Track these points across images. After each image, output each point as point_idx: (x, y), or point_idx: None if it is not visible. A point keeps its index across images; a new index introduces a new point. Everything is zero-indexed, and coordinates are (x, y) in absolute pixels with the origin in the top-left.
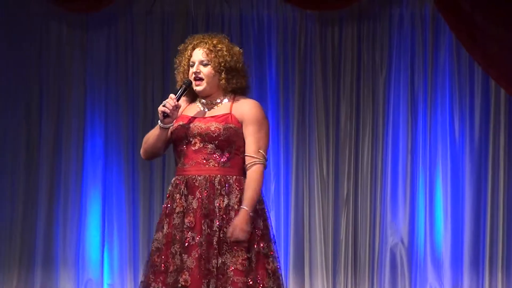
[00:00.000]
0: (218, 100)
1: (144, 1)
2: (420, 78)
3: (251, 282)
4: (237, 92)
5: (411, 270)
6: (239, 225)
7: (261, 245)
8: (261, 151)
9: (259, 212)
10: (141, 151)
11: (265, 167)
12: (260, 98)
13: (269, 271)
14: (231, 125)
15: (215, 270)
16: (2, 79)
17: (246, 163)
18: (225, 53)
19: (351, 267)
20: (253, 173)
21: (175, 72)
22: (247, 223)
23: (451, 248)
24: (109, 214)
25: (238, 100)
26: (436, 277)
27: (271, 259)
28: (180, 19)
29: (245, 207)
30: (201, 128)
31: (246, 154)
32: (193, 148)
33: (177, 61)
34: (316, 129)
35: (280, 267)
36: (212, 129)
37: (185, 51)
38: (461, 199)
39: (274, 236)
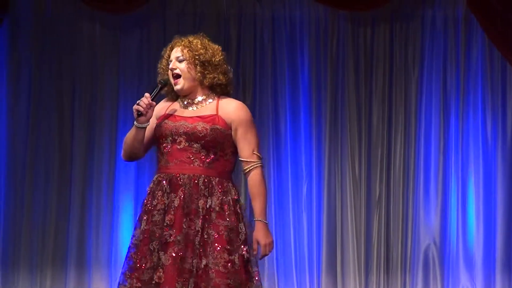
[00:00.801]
0: (200, 98)
1: (176, 2)
2: (452, 78)
3: (232, 285)
4: (218, 91)
5: (443, 270)
6: (263, 241)
7: (245, 248)
8: (255, 153)
9: (238, 215)
10: (122, 153)
11: (262, 166)
12: (293, 98)
13: (252, 275)
14: (218, 126)
15: (195, 270)
16: (35, 80)
17: (244, 168)
18: (199, 46)
19: (384, 268)
20: (255, 180)
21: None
22: (268, 235)
23: (483, 249)
24: None
25: (222, 101)
26: (469, 277)
27: (251, 263)
28: (212, 19)
29: (261, 220)
30: (187, 127)
31: (241, 158)
32: (178, 147)
33: (159, 65)
34: (348, 130)
35: (259, 271)
36: (199, 129)
37: (165, 54)
38: (493, 200)
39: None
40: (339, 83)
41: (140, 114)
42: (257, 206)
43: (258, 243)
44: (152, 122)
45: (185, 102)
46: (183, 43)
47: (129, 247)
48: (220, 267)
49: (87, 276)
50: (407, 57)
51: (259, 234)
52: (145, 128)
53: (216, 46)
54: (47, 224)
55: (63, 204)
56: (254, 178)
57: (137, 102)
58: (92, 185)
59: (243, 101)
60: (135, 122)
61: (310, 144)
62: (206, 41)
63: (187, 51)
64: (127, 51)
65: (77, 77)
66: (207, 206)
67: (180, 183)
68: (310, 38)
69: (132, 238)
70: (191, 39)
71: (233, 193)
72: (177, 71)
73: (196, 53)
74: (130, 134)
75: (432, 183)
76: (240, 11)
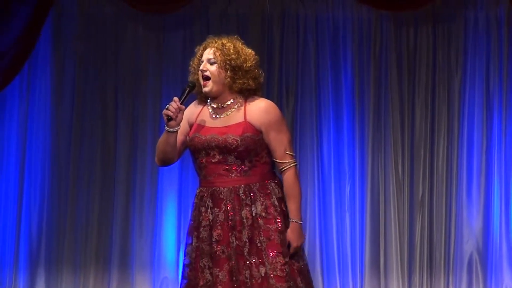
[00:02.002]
0: (229, 103)
1: (219, 3)
2: (495, 79)
3: (293, 286)
4: (246, 94)
5: (486, 270)
6: (296, 243)
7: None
8: (287, 152)
9: (285, 213)
10: (155, 158)
11: (296, 165)
12: (335, 99)
13: (296, 271)
14: (248, 134)
15: (249, 281)
16: (79, 81)
17: (278, 168)
18: (232, 51)
19: (427, 268)
20: (289, 181)
21: (189, 74)
22: (300, 235)
23: None
24: (185, 214)
25: (250, 105)
26: None
27: (296, 258)
28: (255, 20)
29: (295, 220)
30: (218, 140)
31: (274, 159)
32: (212, 160)
33: (191, 63)
34: (391, 130)
35: (305, 263)
36: (230, 141)
37: (198, 52)
38: None
39: None
40: (382, 84)
41: (170, 118)
42: (292, 207)
43: (289, 243)
44: (184, 125)
45: (214, 106)
46: (216, 45)
47: (184, 265)
48: (278, 272)
49: (130, 277)
50: (450, 58)
51: (292, 235)
52: (176, 132)
53: (249, 51)
54: (90, 225)
55: (106, 204)
56: (288, 179)
57: (166, 106)
58: (136, 185)
59: (286, 102)
60: (165, 127)
61: (353, 144)
62: (240, 45)
63: (220, 54)
64: (170, 51)
65: (120, 77)
66: (253, 214)
67: (222, 196)
68: (353, 38)
69: (185, 256)
70: (224, 41)
71: (277, 191)
72: (207, 73)
73: (228, 57)
74: (162, 139)
75: (475, 183)
76: (283, 11)
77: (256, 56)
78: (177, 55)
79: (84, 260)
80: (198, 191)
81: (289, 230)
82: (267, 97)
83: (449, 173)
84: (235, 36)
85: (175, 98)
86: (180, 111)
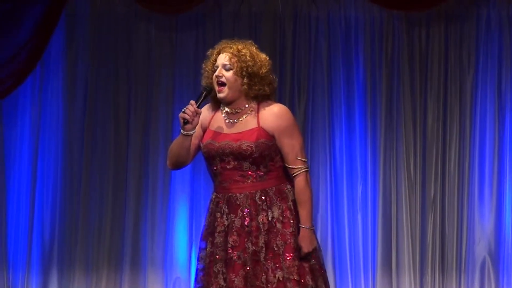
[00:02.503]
0: (243, 108)
1: (232, 2)
2: (507, 78)
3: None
4: (259, 99)
5: (499, 270)
6: (306, 249)
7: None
8: (298, 158)
9: (297, 217)
10: (167, 161)
11: (308, 171)
12: (347, 99)
13: (307, 269)
14: (261, 140)
15: (265, 285)
16: (91, 81)
17: (290, 173)
18: (248, 58)
19: (439, 268)
20: (299, 187)
21: (202, 77)
22: (311, 241)
23: None
24: (197, 215)
25: (263, 110)
26: None
27: (308, 257)
28: (267, 20)
29: (304, 226)
30: (232, 147)
31: (285, 164)
32: (227, 167)
33: (204, 66)
34: (403, 131)
35: (320, 263)
36: (244, 148)
37: (211, 56)
38: None
39: None
40: (394, 84)
41: (186, 122)
42: (302, 212)
43: (301, 248)
44: (197, 129)
45: (228, 111)
46: (231, 50)
47: (197, 270)
48: (295, 275)
49: (142, 278)
50: (461, 58)
51: (303, 241)
52: (191, 135)
53: (264, 56)
54: (102, 225)
55: (118, 205)
56: (298, 185)
57: (183, 110)
58: (148, 186)
59: (298, 101)
60: (181, 130)
61: (365, 144)
62: (255, 51)
63: (236, 61)
64: (183, 51)
65: (133, 77)
66: (269, 219)
67: (238, 202)
68: (365, 38)
69: (199, 261)
70: (240, 47)
71: (293, 194)
72: (222, 79)
73: (244, 64)
74: (176, 142)
75: (487, 183)
76: (295, 11)
77: (270, 61)
78: (189, 55)
79: (97, 261)
80: (213, 196)
81: (299, 236)
82: (279, 97)
83: (461, 173)
84: (250, 41)
85: (192, 102)
86: (197, 114)
